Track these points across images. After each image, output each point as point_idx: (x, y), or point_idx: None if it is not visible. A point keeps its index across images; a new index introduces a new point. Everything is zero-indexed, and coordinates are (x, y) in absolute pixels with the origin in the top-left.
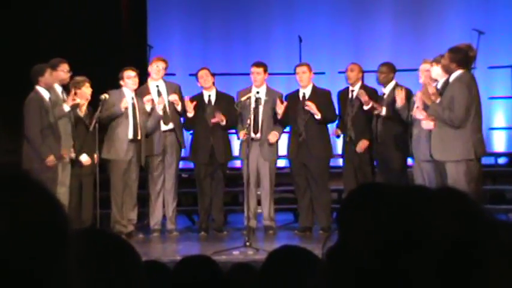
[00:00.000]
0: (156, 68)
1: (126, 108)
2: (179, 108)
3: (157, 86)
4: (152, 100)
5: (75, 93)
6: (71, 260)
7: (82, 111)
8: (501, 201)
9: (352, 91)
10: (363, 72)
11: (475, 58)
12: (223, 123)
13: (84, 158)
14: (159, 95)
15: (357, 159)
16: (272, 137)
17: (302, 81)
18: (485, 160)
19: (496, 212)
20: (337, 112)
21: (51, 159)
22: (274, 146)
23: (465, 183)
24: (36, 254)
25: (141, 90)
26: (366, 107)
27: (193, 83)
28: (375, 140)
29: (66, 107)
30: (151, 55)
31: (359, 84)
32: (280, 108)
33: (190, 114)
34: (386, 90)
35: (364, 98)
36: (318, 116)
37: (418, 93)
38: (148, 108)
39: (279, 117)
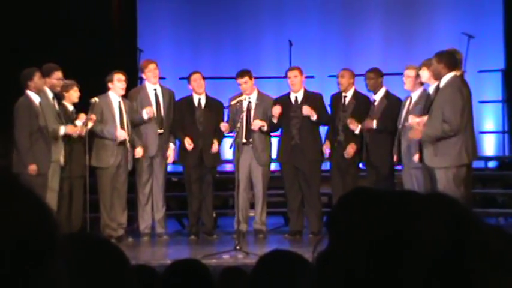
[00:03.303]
0: (151, 73)
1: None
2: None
3: (154, 90)
4: (151, 109)
5: (63, 97)
6: (60, 265)
7: (80, 118)
8: (491, 205)
9: (345, 97)
10: (354, 76)
11: (462, 61)
12: (265, 128)
13: (79, 123)
14: (157, 99)
15: (343, 163)
16: (256, 124)
17: (294, 85)
18: (475, 164)
19: (486, 216)
20: (329, 114)
21: (33, 168)
22: (268, 150)
23: (455, 189)
24: (25, 259)
25: (138, 91)
26: (356, 131)
27: (183, 87)
28: (364, 146)
29: (63, 130)
30: (142, 59)
31: (352, 89)
32: (276, 111)
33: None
34: (377, 97)
35: (353, 126)
36: (313, 117)
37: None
38: (145, 117)
39: (274, 120)
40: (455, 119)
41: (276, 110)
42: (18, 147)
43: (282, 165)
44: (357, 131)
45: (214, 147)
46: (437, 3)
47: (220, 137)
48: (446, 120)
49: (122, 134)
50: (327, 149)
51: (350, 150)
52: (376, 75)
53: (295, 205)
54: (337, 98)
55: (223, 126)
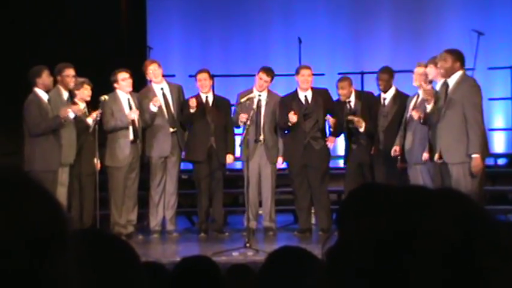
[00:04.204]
0: (153, 72)
1: (133, 120)
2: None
3: (161, 89)
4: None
5: (75, 95)
6: (71, 261)
7: (92, 117)
8: (501, 202)
9: (349, 102)
10: (352, 84)
11: None
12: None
13: (90, 121)
14: (165, 98)
15: (360, 163)
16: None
17: (307, 83)
18: (485, 161)
19: (496, 213)
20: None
21: (64, 110)
22: (276, 147)
23: (470, 185)
24: (35, 255)
25: (145, 92)
26: (361, 130)
27: (192, 84)
28: (378, 144)
29: (71, 114)
30: (151, 56)
31: (353, 93)
32: (293, 120)
33: (192, 110)
34: (388, 96)
35: (359, 124)
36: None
37: (415, 112)
38: (154, 109)
39: (290, 124)
40: (479, 113)
41: (293, 118)
42: (42, 131)
43: (290, 163)
44: (361, 130)
45: (229, 160)
46: (447, 0)
47: (231, 136)
48: (471, 118)
49: (132, 113)
50: (330, 143)
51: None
52: (388, 76)
53: (304, 203)
54: (340, 104)
55: (243, 117)
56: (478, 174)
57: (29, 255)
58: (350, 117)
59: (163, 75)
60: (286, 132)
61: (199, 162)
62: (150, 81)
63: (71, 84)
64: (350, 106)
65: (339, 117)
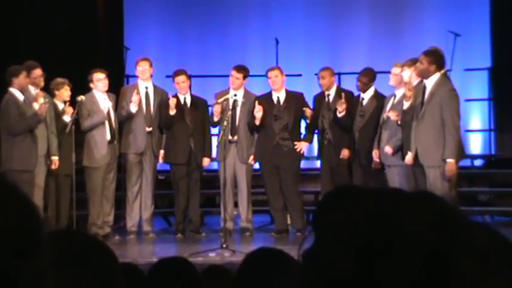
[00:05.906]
0: (140, 69)
1: (108, 113)
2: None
3: (146, 88)
4: (140, 100)
5: (54, 95)
6: (46, 262)
7: (67, 113)
8: (477, 203)
9: (328, 95)
10: (334, 74)
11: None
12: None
13: (68, 118)
14: (147, 97)
15: (334, 161)
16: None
17: (275, 84)
18: (461, 162)
19: (472, 214)
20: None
21: (40, 107)
22: (251, 148)
23: (445, 188)
24: (9, 256)
25: (129, 89)
26: (339, 115)
27: (169, 85)
28: (353, 144)
29: (36, 105)
30: (128, 57)
31: (334, 87)
32: (259, 112)
33: (172, 112)
34: (366, 96)
35: (342, 107)
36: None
37: (392, 113)
38: (133, 109)
39: (257, 122)
40: (458, 121)
41: (259, 114)
42: (23, 128)
43: (262, 164)
44: (339, 115)
45: (205, 163)
46: (424, 2)
47: (208, 138)
48: (449, 123)
49: (105, 104)
50: (303, 148)
51: (345, 153)
52: (368, 79)
53: (278, 204)
54: (320, 97)
55: (218, 107)
56: (451, 179)
57: (3, 258)
58: (339, 102)
59: (151, 76)
60: (254, 132)
61: (179, 164)
62: (138, 77)
63: (42, 84)
64: (328, 99)
65: (314, 116)
